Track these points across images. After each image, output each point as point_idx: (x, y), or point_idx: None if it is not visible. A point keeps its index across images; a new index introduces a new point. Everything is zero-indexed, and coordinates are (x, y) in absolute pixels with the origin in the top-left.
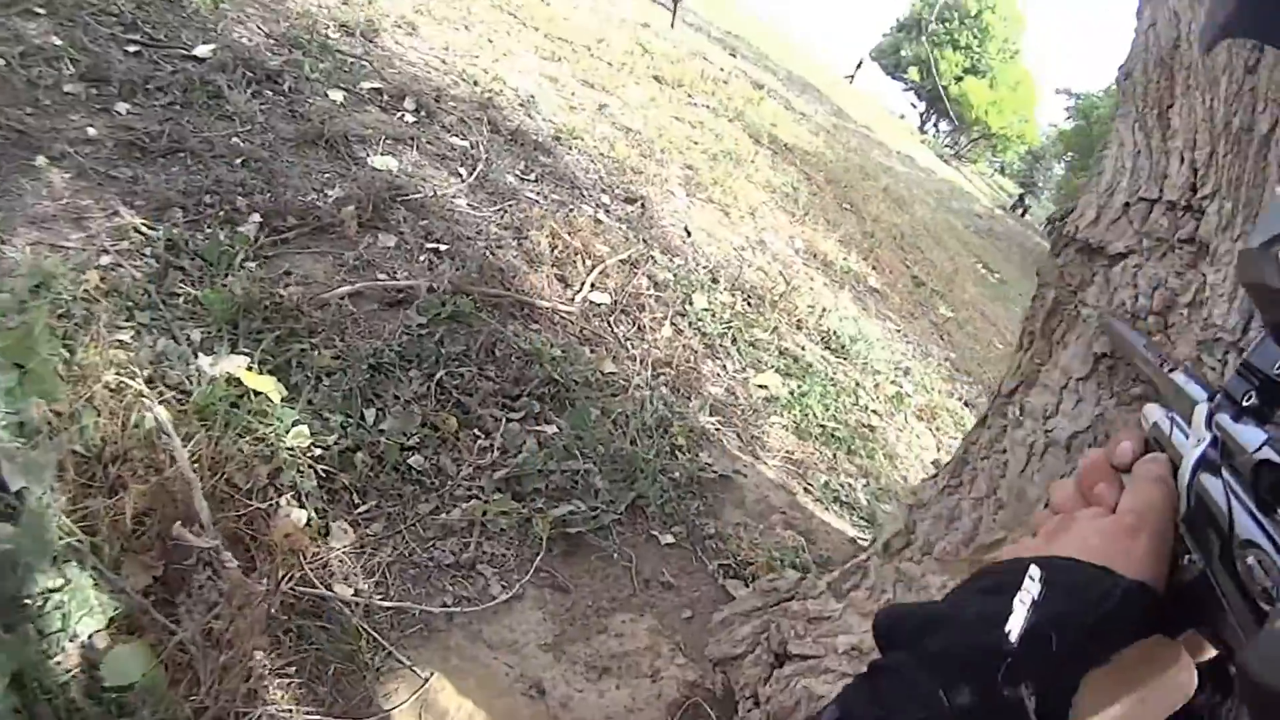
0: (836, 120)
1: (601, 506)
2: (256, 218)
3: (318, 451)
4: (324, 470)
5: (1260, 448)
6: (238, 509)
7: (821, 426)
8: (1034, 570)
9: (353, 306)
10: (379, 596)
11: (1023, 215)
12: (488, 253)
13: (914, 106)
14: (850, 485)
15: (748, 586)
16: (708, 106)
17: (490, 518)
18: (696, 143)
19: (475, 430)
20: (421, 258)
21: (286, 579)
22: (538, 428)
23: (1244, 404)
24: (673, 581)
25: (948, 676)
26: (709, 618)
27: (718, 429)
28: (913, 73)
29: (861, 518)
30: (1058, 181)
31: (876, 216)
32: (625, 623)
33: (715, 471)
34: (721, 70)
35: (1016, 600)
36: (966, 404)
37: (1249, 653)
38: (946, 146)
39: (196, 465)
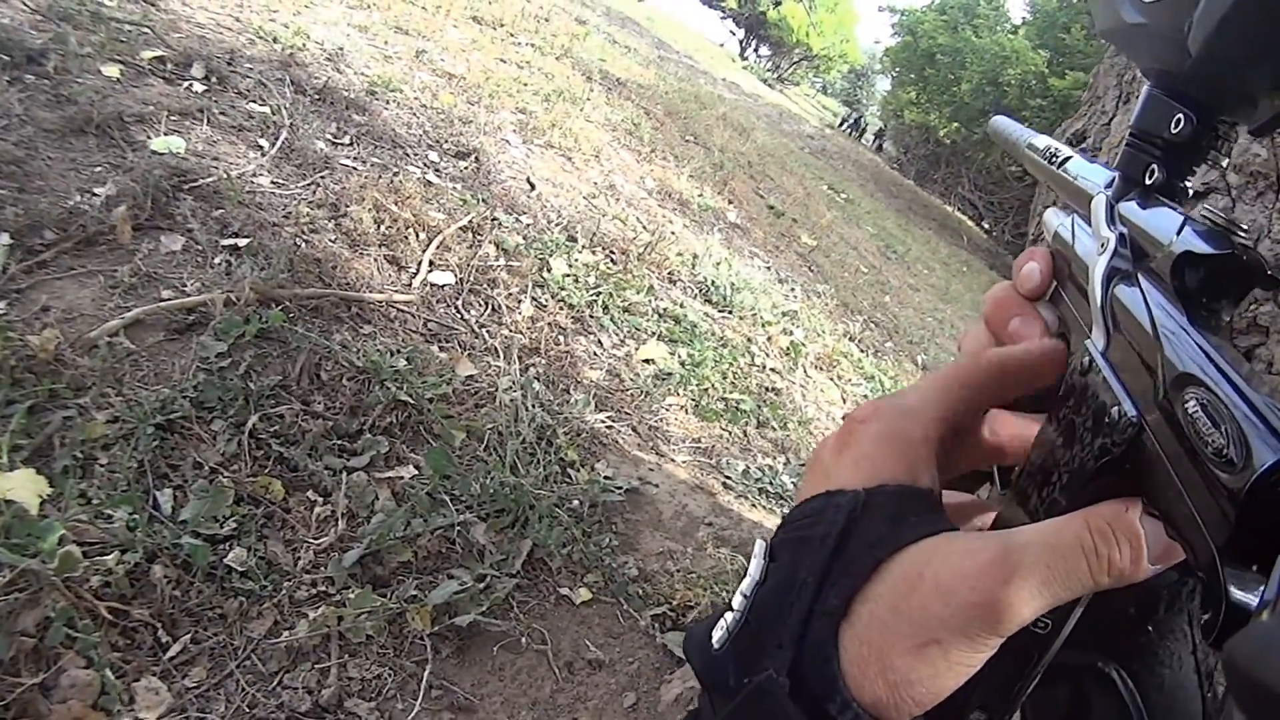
0: (660, 52)
1: (491, 572)
2: (5, 239)
3: (98, 579)
4: (112, 605)
5: (1179, 233)
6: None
7: (724, 400)
8: (758, 546)
9: (130, 342)
10: None
11: (860, 136)
12: (299, 242)
13: (733, 34)
14: (771, 468)
15: None
16: (533, 45)
17: (350, 624)
18: (526, 84)
19: (309, 493)
20: (217, 260)
21: None
22: (389, 473)
23: (1148, 182)
24: (600, 656)
25: (711, 693)
26: (657, 696)
27: (609, 427)
28: (730, 0)
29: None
30: (882, 98)
31: (723, 146)
32: None
33: (619, 487)
34: (541, 7)
35: (738, 594)
36: (855, 341)
37: (1237, 643)
38: (769, 71)
39: None
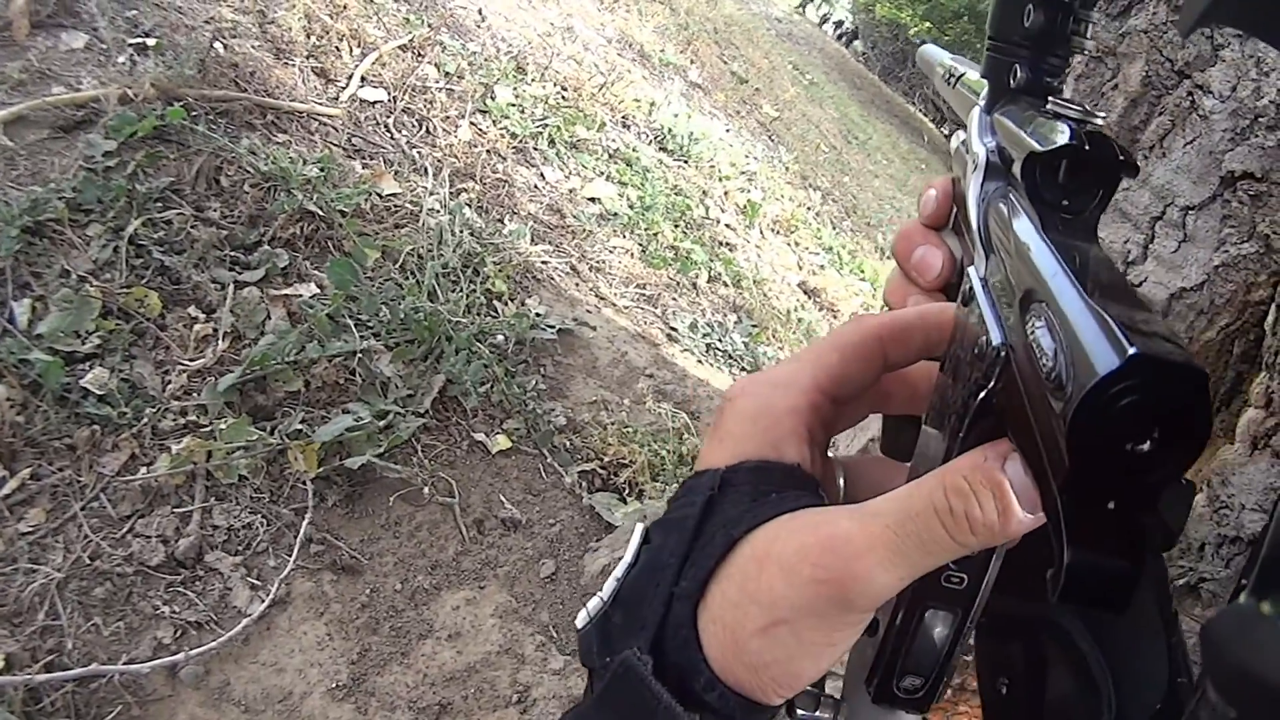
0: None
1: (394, 409)
2: None
3: None
4: None
5: (1028, 132)
6: None
7: (673, 248)
8: (637, 529)
9: (9, 139)
10: (48, 655)
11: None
12: (216, 44)
13: None
14: (721, 325)
15: (625, 503)
16: None
17: (220, 460)
18: None
19: (190, 309)
20: (121, 59)
21: None
22: (287, 290)
23: (1014, 85)
24: (517, 515)
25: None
26: (580, 566)
27: (545, 262)
28: None
29: (743, 369)
30: None
31: (689, 9)
32: (458, 609)
33: (551, 326)
34: None
35: (610, 577)
36: (813, 212)
37: (1214, 623)
38: None
39: None
